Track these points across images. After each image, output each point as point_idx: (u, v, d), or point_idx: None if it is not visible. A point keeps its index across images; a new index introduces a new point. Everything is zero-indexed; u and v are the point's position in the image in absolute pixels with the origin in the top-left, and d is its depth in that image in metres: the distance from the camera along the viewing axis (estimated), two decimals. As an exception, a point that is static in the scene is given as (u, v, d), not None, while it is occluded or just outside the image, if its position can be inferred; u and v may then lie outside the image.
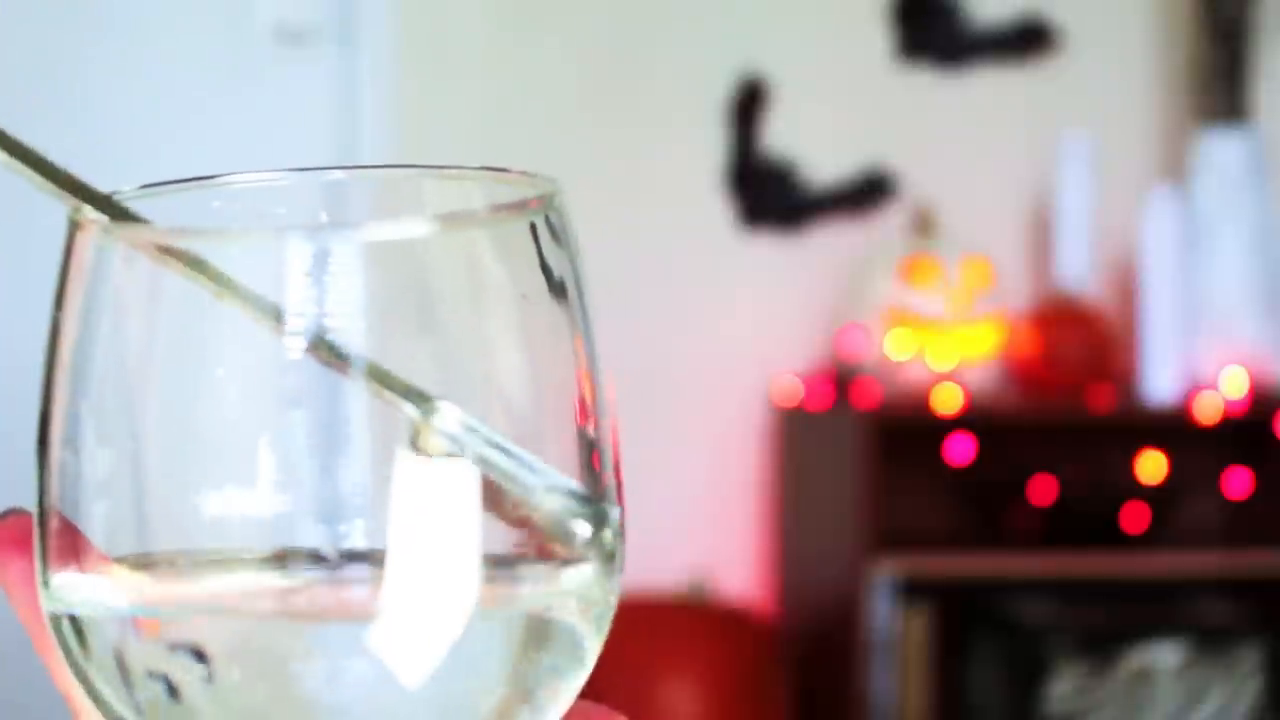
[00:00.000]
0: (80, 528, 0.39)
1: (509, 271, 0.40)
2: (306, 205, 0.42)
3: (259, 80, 2.83)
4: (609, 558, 0.40)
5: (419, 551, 0.37)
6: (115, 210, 0.39)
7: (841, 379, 2.86)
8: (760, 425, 2.94)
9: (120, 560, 0.39)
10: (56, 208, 0.40)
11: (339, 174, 0.43)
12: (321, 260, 0.37)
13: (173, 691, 0.38)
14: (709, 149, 2.96)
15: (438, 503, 0.38)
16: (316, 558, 0.38)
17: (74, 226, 0.39)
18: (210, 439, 0.38)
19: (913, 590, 2.72)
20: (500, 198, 0.41)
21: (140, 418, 0.38)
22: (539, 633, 0.40)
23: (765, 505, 2.95)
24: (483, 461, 0.37)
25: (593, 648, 0.41)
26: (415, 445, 0.37)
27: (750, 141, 2.96)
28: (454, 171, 0.43)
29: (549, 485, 0.38)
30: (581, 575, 0.40)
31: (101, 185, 0.40)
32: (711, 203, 2.96)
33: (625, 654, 2.76)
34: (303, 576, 0.38)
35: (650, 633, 2.75)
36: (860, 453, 2.67)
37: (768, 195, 2.96)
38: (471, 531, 0.38)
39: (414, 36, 2.88)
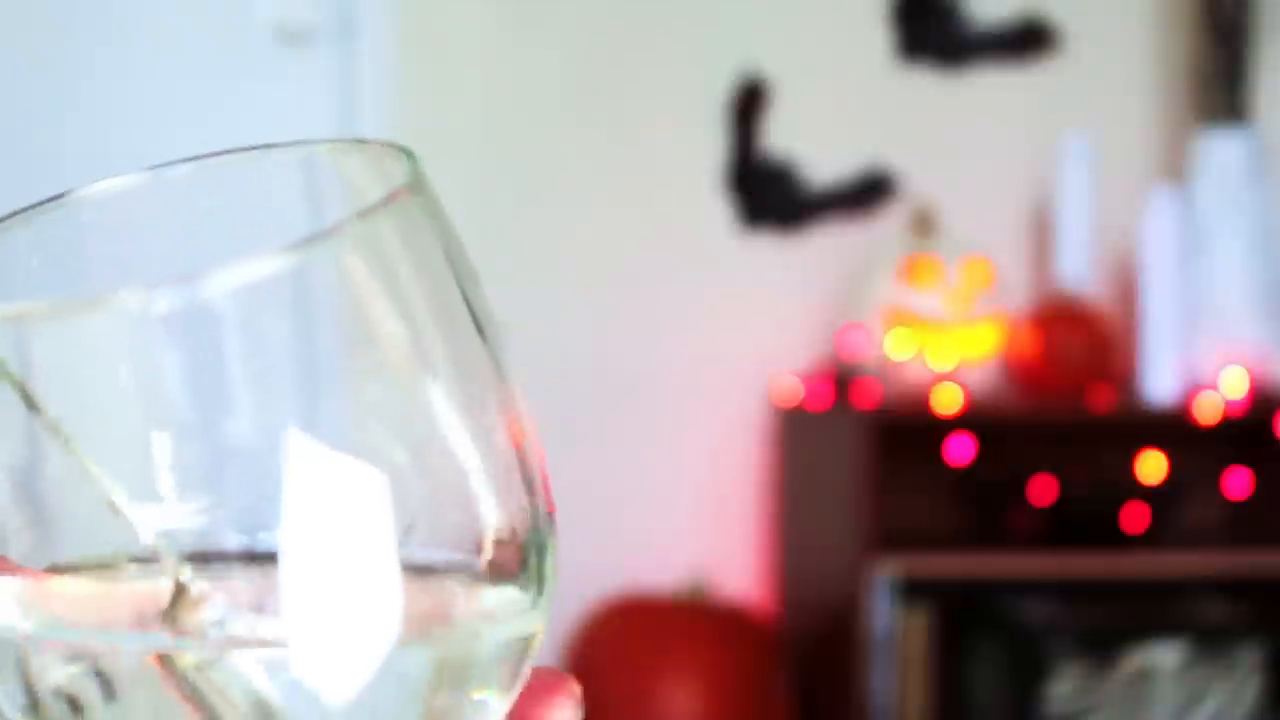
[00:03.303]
0: None
1: (387, 287, 0.36)
2: (173, 207, 0.40)
3: (259, 80, 2.83)
4: (541, 584, 0.38)
5: (323, 562, 0.35)
6: None
7: (841, 379, 2.85)
8: (760, 425, 2.94)
9: (25, 571, 0.37)
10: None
11: (185, 169, 0.40)
12: (186, 321, 0.35)
13: (75, 709, 0.36)
14: (709, 149, 2.96)
15: (345, 509, 0.35)
16: (224, 563, 0.36)
17: None
18: (104, 448, 0.36)
19: (913, 590, 2.71)
20: (353, 172, 0.39)
21: (25, 434, 0.36)
22: (464, 651, 0.38)
23: (765, 505, 2.95)
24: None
25: (520, 670, 0.39)
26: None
27: (750, 141, 2.96)
28: (301, 150, 0.40)
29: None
30: (507, 596, 0.38)
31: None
32: (711, 203, 2.96)
33: (625, 654, 2.76)
34: (210, 584, 0.36)
35: (650, 633, 2.74)
36: (860, 453, 2.67)
37: (768, 195, 2.96)
38: (386, 540, 0.36)
39: (414, 36, 2.88)
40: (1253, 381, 2.81)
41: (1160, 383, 2.79)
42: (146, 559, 0.37)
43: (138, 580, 0.37)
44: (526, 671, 0.39)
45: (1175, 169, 2.98)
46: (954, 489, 2.88)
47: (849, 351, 2.84)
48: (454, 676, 0.37)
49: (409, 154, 0.38)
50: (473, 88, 2.90)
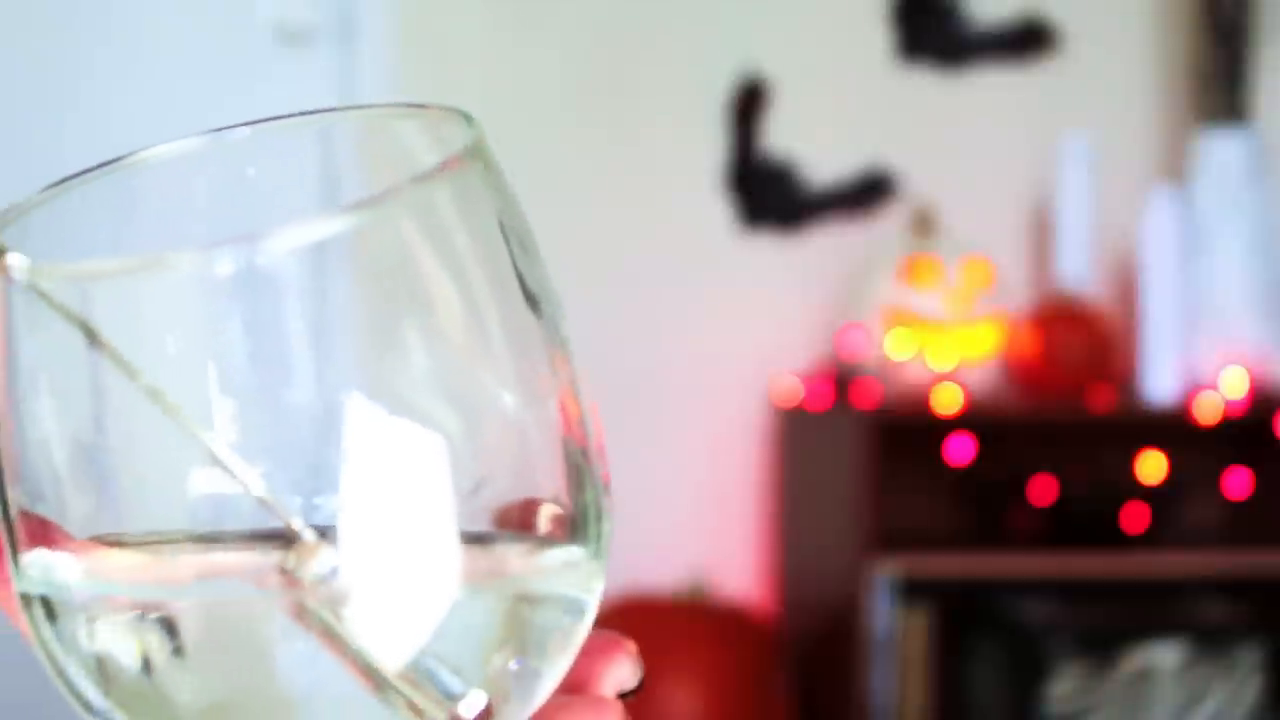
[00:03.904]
0: (48, 516, 0.37)
1: (442, 253, 0.37)
2: (229, 170, 0.40)
3: (259, 80, 2.83)
4: (598, 546, 0.39)
5: (388, 527, 0.36)
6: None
7: (841, 379, 2.85)
8: (760, 425, 2.94)
9: (92, 539, 0.37)
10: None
11: (242, 133, 0.41)
12: (248, 277, 0.35)
13: (144, 667, 0.37)
14: (709, 149, 2.96)
15: (403, 473, 0.36)
16: (291, 533, 0.36)
17: None
18: (168, 423, 0.36)
19: (913, 590, 2.71)
20: (410, 137, 0.39)
21: (90, 408, 0.37)
22: (523, 610, 0.38)
23: (765, 505, 2.95)
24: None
25: (578, 630, 0.40)
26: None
27: (750, 141, 2.96)
28: (359, 114, 0.40)
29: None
30: (565, 554, 0.39)
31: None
32: (711, 203, 2.96)
33: (625, 654, 2.76)
34: (277, 553, 0.37)
35: (650, 633, 2.74)
36: (860, 453, 2.67)
37: (768, 195, 2.96)
38: (444, 504, 0.36)
39: (414, 36, 2.88)
40: (1253, 381, 2.81)
41: (1160, 383, 2.79)
42: (208, 539, 0.37)
43: (196, 554, 0.38)
44: (584, 632, 0.39)
45: (1175, 169, 2.98)
46: (954, 489, 2.88)
47: (849, 351, 2.84)
48: (513, 634, 0.38)
49: (469, 120, 0.38)
50: (473, 88, 2.90)
